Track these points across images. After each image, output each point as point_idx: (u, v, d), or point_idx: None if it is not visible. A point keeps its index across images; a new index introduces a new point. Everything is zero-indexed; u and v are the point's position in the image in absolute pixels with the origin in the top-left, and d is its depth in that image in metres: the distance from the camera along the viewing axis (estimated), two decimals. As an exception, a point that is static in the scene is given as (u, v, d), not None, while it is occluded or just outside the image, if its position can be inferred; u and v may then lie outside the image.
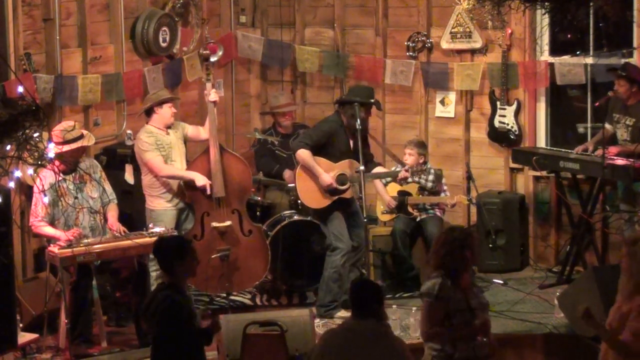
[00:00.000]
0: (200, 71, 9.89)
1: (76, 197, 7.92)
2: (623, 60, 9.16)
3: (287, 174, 9.55)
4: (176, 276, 6.23)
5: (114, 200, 8.25)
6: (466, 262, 6.20)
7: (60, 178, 7.75)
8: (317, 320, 8.22)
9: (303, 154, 8.46)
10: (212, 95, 8.69)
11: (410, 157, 9.18)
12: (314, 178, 8.48)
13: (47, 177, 7.46)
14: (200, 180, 8.49)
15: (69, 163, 7.84)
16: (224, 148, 8.82)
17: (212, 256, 8.48)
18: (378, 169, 8.69)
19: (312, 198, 8.55)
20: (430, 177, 9.30)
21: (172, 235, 7.80)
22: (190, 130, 8.78)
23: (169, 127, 8.57)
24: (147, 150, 8.43)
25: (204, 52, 8.95)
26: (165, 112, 8.54)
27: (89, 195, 8.07)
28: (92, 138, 8.12)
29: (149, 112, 8.59)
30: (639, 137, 8.75)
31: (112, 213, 8.17)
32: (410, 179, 8.80)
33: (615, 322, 5.93)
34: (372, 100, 8.54)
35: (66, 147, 7.76)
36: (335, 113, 8.64)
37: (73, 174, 7.97)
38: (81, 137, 7.93)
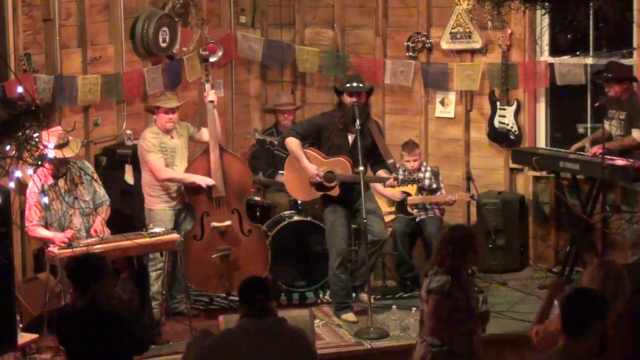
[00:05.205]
0: (200, 72, 9.90)
1: (66, 202, 7.88)
2: (622, 61, 9.17)
3: (279, 178, 9.56)
4: (89, 299, 5.89)
5: (106, 202, 8.20)
6: (468, 262, 6.34)
7: (51, 182, 7.75)
8: (316, 321, 8.23)
9: (291, 142, 8.48)
10: (211, 95, 8.70)
11: (413, 162, 9.19)
12: (301, 169, 8.48)
13: (39, 180, 7.44)
14: (201, 180, 8.49)
15: (56, 167, 7.77)
16: (224, 148, 8.82)
17: (213, 256, 8.50)
18: (381, 172, 8.58)
19: (297, 189, 8.60)
20: (427, 175, 9.31)
21: (88, 254, 7.11)
22: (195, 131, 8.75)
23: (168, 132, 8.53)
24: (150, 151, 8.41)
25: (203, 52, 8.95)
26: (161, 118, 8.47)
27: (81, 198, 8.05)
28: (72, 149, 7.88)
29: (153, 112, 8.61)
30: (629, 130, 8.78)
31: (101, 216, 8.09)
32: (397, 185, 8.72)
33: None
34: (360, 85, 8.46)
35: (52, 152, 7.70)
36: (334, 108, 8.64)
37: (64, 177, 7.90)
38: (66, 144, 7.84)
